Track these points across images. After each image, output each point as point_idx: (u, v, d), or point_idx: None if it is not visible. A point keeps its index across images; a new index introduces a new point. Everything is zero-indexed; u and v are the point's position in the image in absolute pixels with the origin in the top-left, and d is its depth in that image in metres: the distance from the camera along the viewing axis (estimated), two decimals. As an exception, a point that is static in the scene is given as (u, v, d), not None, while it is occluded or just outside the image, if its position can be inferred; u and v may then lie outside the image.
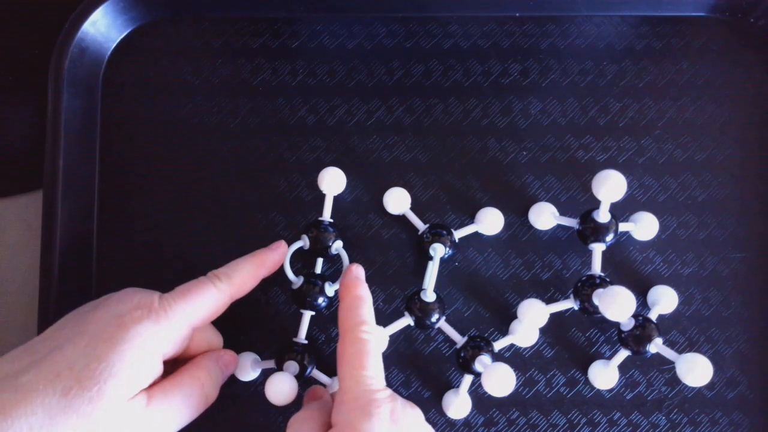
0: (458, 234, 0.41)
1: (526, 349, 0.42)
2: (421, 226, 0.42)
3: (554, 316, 0.41)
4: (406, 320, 0.40)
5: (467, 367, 0.39)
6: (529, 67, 0.44)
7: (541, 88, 0.44)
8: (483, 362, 0.38)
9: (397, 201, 0.42)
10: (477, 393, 0.42)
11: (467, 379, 0.40)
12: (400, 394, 0.41)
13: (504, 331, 0.42)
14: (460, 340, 0.40)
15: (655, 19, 0.44)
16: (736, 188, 0.43)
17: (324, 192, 0.42)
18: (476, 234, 0.42)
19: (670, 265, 0.42)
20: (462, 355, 0.39)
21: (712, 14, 0.44)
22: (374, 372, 0.34)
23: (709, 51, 0.44)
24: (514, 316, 0.41)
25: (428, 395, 0.42)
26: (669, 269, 0.42)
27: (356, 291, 0.37)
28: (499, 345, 0.40)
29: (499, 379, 0.37)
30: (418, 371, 0.42)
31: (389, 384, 0.42)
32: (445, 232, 0.41)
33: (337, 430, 0.32)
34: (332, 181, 0.41)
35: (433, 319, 0.39)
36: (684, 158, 0.43)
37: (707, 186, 0.43)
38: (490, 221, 0.42)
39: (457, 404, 0.40)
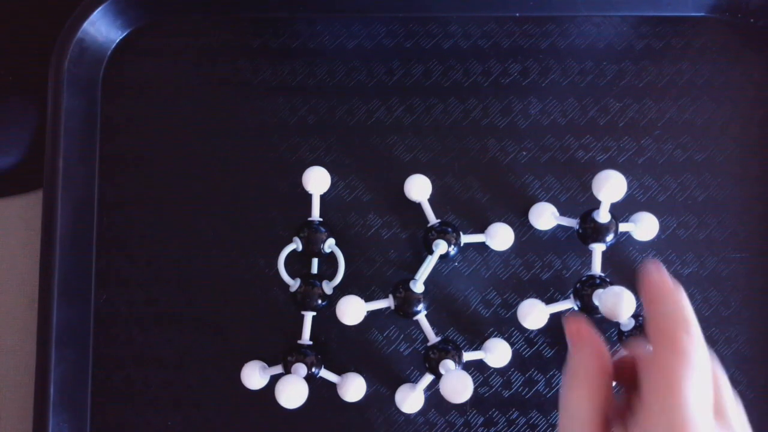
0: (465, 239, 0.41)
1: (526, 349, 0.42)
2: (432, 219, 0.42)
3: (554, 316, 0.41)
4: (388, 302, 0.40)
5: (432, 366, 0.39)
6: (529, 67, 0.44)
7: (540, 88, 0.44)
8: (446, 366, 0.39)
9: (419, 188, 0.42)
10: (477, 393, 0.42)
11: (427, 378, 0.40)
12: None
13: (503, 331, 0.42)
14: (433, 339, 0.40)
15: (655, 19, 0.44)
16: (736, 188, 0.43)
17: (309, 192, 0.42)
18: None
19: (670, 265, 0.42)
20: (430, 354, 0.39)
21: (712, 14, 0.44)
22: None
23: (709, 51, 0.44)
24: (514, 316, 0.41)
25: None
26: (669, 269, 0.42)
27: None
28: (468, 356, 0.40)
29: (454, 386, 0.37)
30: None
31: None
32: (451, 229, 0.41)
33: None
34: (317, 181, 0.41)
35: (413, 309, 0.40)
36: (684, 158, 0.43)
37: (707, 186, 0.43)
38: (500, 237, 0.41)
39: (412, 399, 0.40)
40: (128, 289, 0.43)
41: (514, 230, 0.42)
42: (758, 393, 0.41)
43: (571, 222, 0.41)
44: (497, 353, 0.40)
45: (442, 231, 0.41)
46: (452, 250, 0.41)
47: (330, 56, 0.44)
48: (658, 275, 0.31)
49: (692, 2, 0.44)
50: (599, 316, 0.37)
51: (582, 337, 0.32)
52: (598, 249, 0.40)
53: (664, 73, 0.44)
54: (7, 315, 0.44)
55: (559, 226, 0.42)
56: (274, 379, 0.39)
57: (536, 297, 0.41)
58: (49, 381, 0.40)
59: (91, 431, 0.42)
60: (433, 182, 0.42)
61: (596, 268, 0.40)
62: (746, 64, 0.44)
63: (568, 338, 0.32)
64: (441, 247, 0.40)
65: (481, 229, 0.42)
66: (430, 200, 0.42)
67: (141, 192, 0.43)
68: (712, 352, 0.30)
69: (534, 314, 0.39)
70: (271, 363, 0.41)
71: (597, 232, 0.40)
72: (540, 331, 0.42)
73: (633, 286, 0.41)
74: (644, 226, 0.41)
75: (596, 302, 0.38)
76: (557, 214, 0.42)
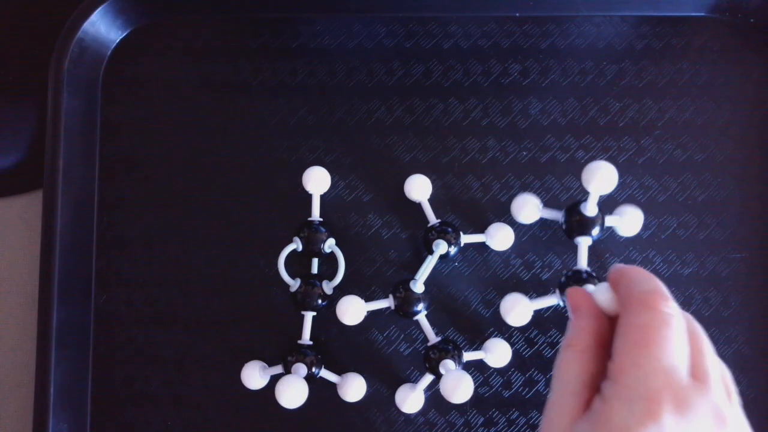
0: (465, 239, 0.41)
1: (526, 349, 0.42)
2: (432, 219, 0.42)
3: (554, 316, 0.41)
4: (388, 302, 0.40)
5: (432, 366, 0.39)
6: (529, 67, 0.44)
7: (541, 88, 0.44)
8: (446, 366, 0.39)
9: (419, 188, 0.42)
10: (477, 393, 0.42)
11: (427, 378, 0.40)
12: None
13: (503, 331, 0.42)
14: (433, 339, 0.40)
15: (655, 19, 0.44)
16: (736, 188, 0.43)
17: (310, 192, 0.42)
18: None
19: (670, 265, 0.42)
20: (430, 354, 0.39)
21: (712, 14, 0.44)
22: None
23: (709, 51, 0.44)
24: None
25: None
26: (669, 269, 0.42)
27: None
28: (468, 356, 0.40)
29: (455, 386, 0.37)
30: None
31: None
32: (451, 229, 0.41)
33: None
34: (317, 181, 0.41)
35: (414, 310, 0.40)
36: (684, 158, 0.43)
37: (707, 186, 0.43)
38: (500, 237, 0.41)
39: (412, 399, 0.40)
40: (128, 289, 0.43)
41: (514, 230, 0.42)
42: (758, 392, 0.41)
43: (556, 215, 0.40)
44: (497, 353, 0.40)
45: (442, 231, 0.41)
46: (452, 250, 0.41)
47: (330, 56, 0.44)
48: (632, 267, 0.32)
49: (692, 2, 0.44)
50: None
51: (582, 307, 0.32)
52: (584, 243, 0.39)
53: (664, 73, 0.44)
54: (7, 315, 0.44)
55: (559, 226, 0.42)
56: (274, 379, 0.39)
57: (535, 297, 0.41)
58: (49, 381, 0.40)
59: (91, 431, 0.42)
60: (433, 182, 0.42)
61: (582, 262, 0.39)
62: (746, 64, 0.44)
63: (570, 308, 0.33)
64: (441, 247, 0.40)
65: (481, 229, 0.42)
66: (430, 200, 0.42)
67: (141, 192, 0.43)
68: (693, 318, 0.30)
69: (517, 310, 0.39)
70: (271, 363, 0.41)
71: (583, 225, 0.38)
72: (540, 331, 0.41)
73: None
74: (628, 220, 0.40)
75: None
76: (541, 206, 0.41)
